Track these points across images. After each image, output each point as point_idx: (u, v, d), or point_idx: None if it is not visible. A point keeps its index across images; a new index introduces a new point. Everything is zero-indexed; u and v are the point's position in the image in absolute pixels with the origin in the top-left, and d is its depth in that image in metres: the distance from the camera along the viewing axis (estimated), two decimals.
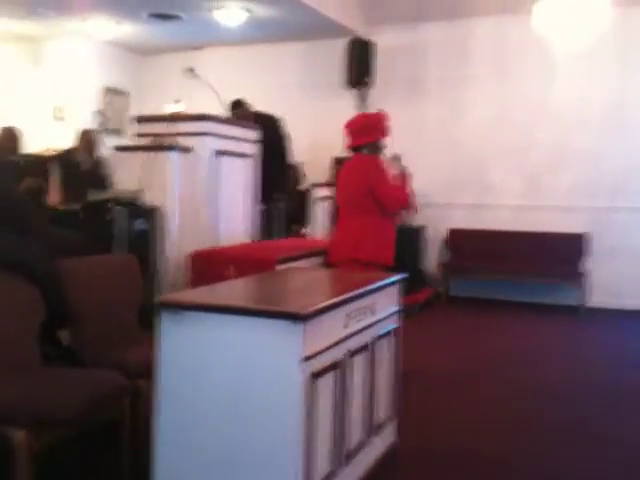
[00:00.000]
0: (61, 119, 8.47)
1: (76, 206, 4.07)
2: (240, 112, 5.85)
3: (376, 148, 4.16)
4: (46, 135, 7.95)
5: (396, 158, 4.26)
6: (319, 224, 6.60)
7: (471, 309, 7.30)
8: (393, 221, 4.25)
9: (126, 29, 8.12)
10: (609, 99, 7.30)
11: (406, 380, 3.33)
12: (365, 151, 4.13)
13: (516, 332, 6.27)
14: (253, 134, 4.85)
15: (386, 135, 4.19)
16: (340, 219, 4.34)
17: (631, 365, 5.05)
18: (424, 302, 6.94)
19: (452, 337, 6.03)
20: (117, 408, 2.75)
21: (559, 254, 7.31)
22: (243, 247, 4.48)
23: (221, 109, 4.63)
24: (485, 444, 3.48)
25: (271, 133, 5.79)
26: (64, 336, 3.13)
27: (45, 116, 8.46)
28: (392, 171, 4.25)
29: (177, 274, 4.10)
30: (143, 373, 2.77)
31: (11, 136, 6.10)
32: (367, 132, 4.14)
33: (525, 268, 7.32)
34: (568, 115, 7.45)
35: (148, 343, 2.90)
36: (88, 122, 6.53)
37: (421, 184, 7.77)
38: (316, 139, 7.77)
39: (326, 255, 4.22)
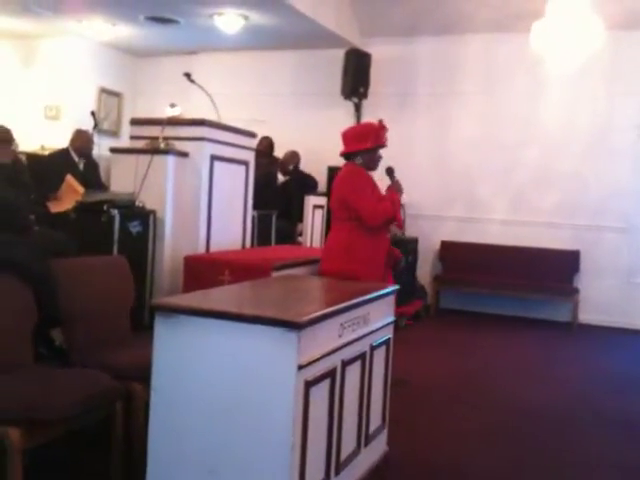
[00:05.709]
0: (53, 118, 8.43)
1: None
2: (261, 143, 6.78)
3: (367, 158, 4.06)
4: (37, 134, 7.91)
5: (389, 171, 4.22)
6: (314, 232, 6.64)
7: (461, 322, 7.32)
8: (377, 234, 4.02)
9: (122, 31, 8.12)
10: (595, 121, 7.39)
11: (391, 391, 3.35)
12: (358, 160, 4.09)
13: (505, 346, 6.29)
14: (249, 141, 4.86)
15: (379, 144, 4.07)
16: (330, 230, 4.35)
17: (616, 387, 5.06)
18: (413, 314, 6.95)
19: (439, 350, 6.04)
20: (108, 410, 2.73)
21: (551, 269, 7.37)
22: (239, 253, 4.48)
23: (216, 115, 4.63)
24: (470, 458, 3.49)
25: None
26: (57, 335, 3.12)
27: (36, 115, 8.42)
28: (384, 184, 4.19)
29: (171, 278, 4.10)
30: (137, 376, 2.76)
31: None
32: (358, 140, 4.07)
33: (517, 282, 7.35)
34: (555, 136, 7.55)
35: (141, 345, 2.91)
36: (82, 122, 6.49)
37: (412, 196, 7.87)
38: (311, 148, 7.78)
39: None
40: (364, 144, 4.05)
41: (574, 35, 5.92)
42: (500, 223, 7.80)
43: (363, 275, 3.77)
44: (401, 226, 4.24)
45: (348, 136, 4.16)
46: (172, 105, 4.98)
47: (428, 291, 7.83)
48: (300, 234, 6.71)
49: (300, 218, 6.68)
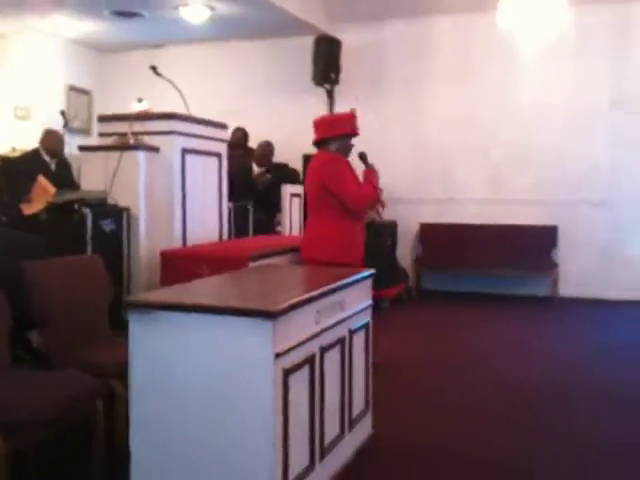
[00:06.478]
0: (22, 119, 8.30)
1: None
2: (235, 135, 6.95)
3: (342, 145, 4.09)
4: (7, 135, 7.79)
5: (362, 156, 4.23)
6: (293, 221, 6.62)
7: (444, 303, 7.35)
8: (356, 219, 4.09)
9: (87, 27, 8.00)
10: (568, 97, 7.43)
11: (374, 374, 3.36)
12: (333, 147, 4.09)
13: (490, 325, 6.32)
14: (220, 132, 4.82)
15: (353, 132, 4.12)
16: (307, 218, 4.35)
17: (606, 359, 5.08)
18: (394, 297, 6.97)
19: (424, 331, 6.07)
20: (89, 409, 2.72)
21: (531, 246, 7.43)
22: (215, 245, 4.45)
23: (185, 108, 4.59)
24: (456, 437, 3.50)
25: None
26: (34, 338, 3.09)
27: (6, 116, 8.28)
28: (359, 169, 4.21)
29: (148, 274, 4.07)
30: (117, 373, 2.75)
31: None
32: (334, 126, 4.11)
33: (497, 260, 7.40)
34: (529, 113, 7.58)
35: (120, 343, 2.89)
36: (52, 122, 6.40)
37: (389, 180, 7.85)
38: (284, 136, 7.74)
39: (299, 253, 4.21)
40: (342, 129, 4.08)
41: (539, 12, 5.94)
42: (478, 203, 7.84)
43: (349, 260, 3.82)
44: (384, 207, 4.28)
45: (322, 123, 4.18)
46: (139, 100, 4.92)
47: (409, 273, 7.86)
48: (279, 224, 6.69)
49: (278, 208, 6.65)
